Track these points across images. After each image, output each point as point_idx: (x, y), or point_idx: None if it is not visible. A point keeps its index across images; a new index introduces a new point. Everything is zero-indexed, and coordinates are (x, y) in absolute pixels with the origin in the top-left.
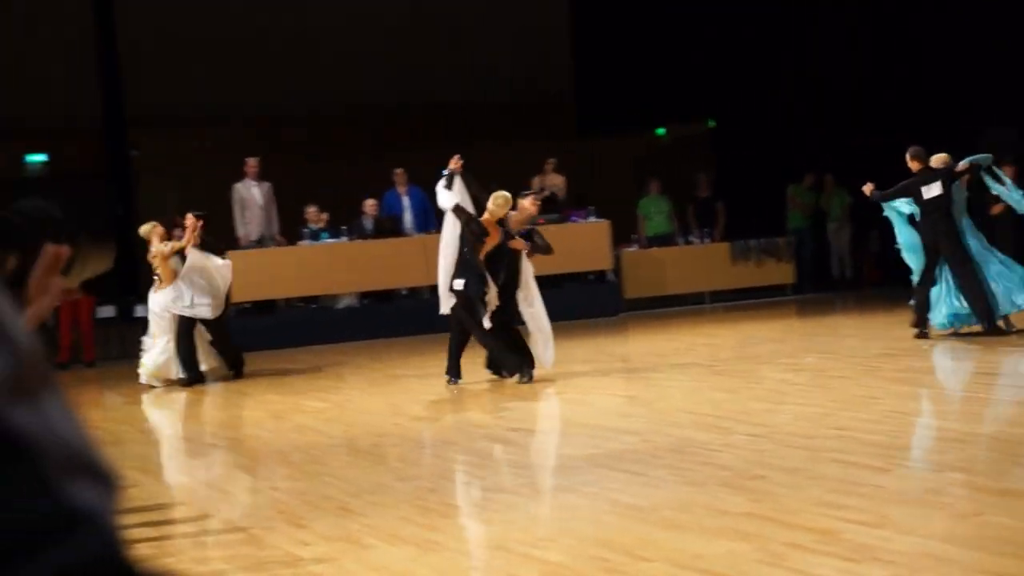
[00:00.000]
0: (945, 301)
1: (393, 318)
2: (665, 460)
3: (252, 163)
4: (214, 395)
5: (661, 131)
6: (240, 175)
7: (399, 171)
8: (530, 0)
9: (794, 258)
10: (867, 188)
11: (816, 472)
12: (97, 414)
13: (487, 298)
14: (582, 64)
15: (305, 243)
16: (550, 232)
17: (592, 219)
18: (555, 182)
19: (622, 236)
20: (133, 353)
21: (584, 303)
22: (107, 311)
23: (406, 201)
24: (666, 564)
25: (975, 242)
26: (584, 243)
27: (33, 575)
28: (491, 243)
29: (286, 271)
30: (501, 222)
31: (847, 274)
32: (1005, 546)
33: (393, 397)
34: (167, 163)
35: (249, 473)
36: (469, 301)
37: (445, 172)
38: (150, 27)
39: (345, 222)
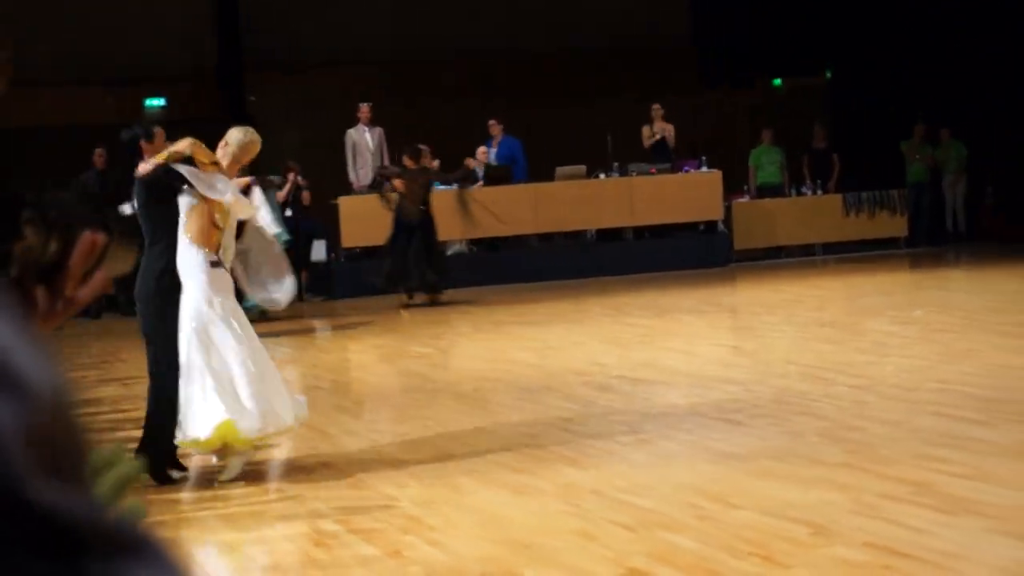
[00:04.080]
0: None
1: (499, 266)
2: (765, 410)
3: (365, 108)
4: (323, 339)
5: (777, 82)
6: (354, 120)
7: (493, 122)
8: None
9: (908, 211)
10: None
11: (915, 424)
12: None
13: None
14: (699, 14)
15: None
16: (661, 181)
17: (704, 169)
18: (665, 129)
19: (734, 187)
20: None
21: (694, 253)
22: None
23: (492, 153)
24: (757, 512)
25: None
26: (695, 193)
27: None
28: None
29: None
30: None
31: (961, 228)
32: None
33: (497, 343)
34: (284, 108)
35: (352, 415)
36: None
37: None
38: None
39: (456, 168)
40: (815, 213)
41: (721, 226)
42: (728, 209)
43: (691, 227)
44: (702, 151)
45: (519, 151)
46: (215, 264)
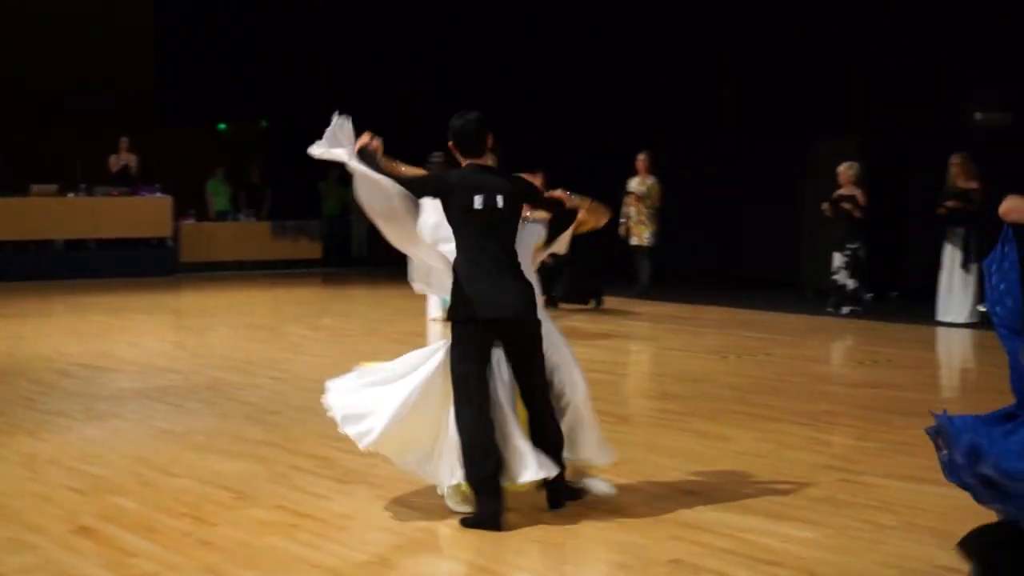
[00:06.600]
0: None
1: None
2: (200, 395)
3: None
4: None
5: (223, 126)
6: None
7: None
8: (119, 6)
9: (323, 238)
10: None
11: (322, 410)
12: None
13: None
14: (160, 62)
15: None
16: (122, 202)
17: (157, 195)
18: (129, 159)
19: (186, 211)
20: None
21: (146, 263)
22: None
23: None
24: (191, 479)
25: None
26: (149, 214)
27: None
28: None
29: None
30: None
31: (365, 254)
32: None
33: None
34: None
35: None
36: None
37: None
38: None
39: None
40: (249, 236)
41: (170, 242)
42: (177, 228)
43: (145, 242)
44: (159, 179)
45: None
46: None
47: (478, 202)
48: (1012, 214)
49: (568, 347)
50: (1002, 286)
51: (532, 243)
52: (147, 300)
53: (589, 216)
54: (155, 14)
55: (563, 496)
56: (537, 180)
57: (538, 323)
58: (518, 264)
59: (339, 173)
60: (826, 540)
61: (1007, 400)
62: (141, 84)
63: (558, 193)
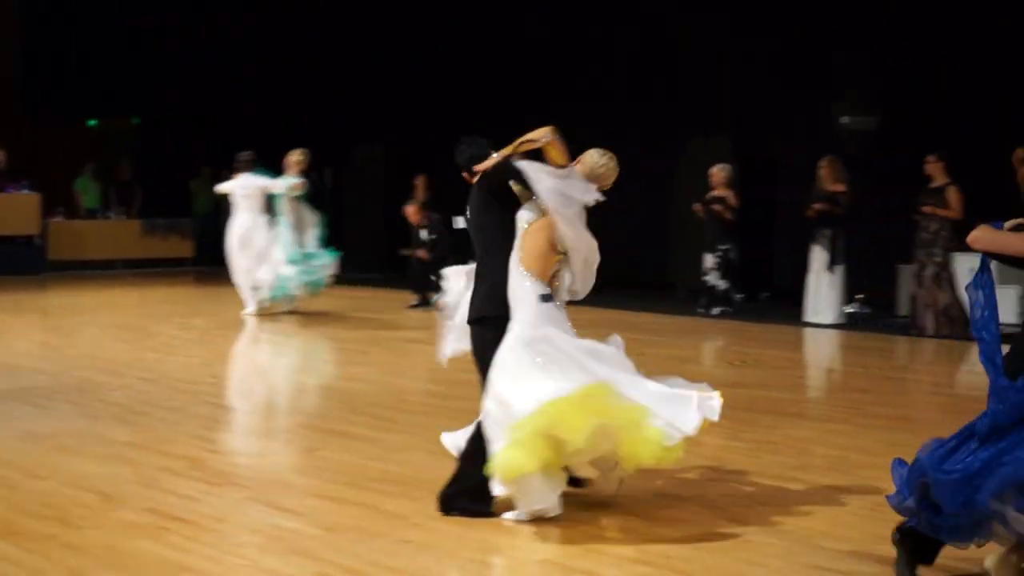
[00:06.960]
0: None
1: None
2: (67, 396)
3: None
4: None
5: (93, 122)
6: None
7: None
8: None
9: (194, 236)
10: None
11: (192, 411)
12: None
13: None
14: (28, 56)
15: None
16: None
17: (25, 191)
18: None
19: (54, 208)
20: None
21: (12, 263)
22: None
23: None
24: (57, 482)
25: None
26: (16, 211)
27: None
28: None
29: None
30: None
31: None
32: (336, 475)
33: None
34: None
35: None
36: None
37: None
38: None
39: None
40: (119, 234)
41: (38, 240)
42: (45, 226)
43: (12, 240)
44: (27, 176)
45: None
46: (545, 298)
47: (460, 222)
48: (976, 244)
49: (517, 368)
50: (985, 313)
51: (521, 230)
52: (14, 299)
53: (550, 153)
54: (22, 5)
55: (450, 506)
56: (420, 184)
57: (477, 326)
58: (490, 265)
59: (211, 171)
60: (694, 539)
61: (871, 399)
62: (7, 78)
63: (484, 165)
